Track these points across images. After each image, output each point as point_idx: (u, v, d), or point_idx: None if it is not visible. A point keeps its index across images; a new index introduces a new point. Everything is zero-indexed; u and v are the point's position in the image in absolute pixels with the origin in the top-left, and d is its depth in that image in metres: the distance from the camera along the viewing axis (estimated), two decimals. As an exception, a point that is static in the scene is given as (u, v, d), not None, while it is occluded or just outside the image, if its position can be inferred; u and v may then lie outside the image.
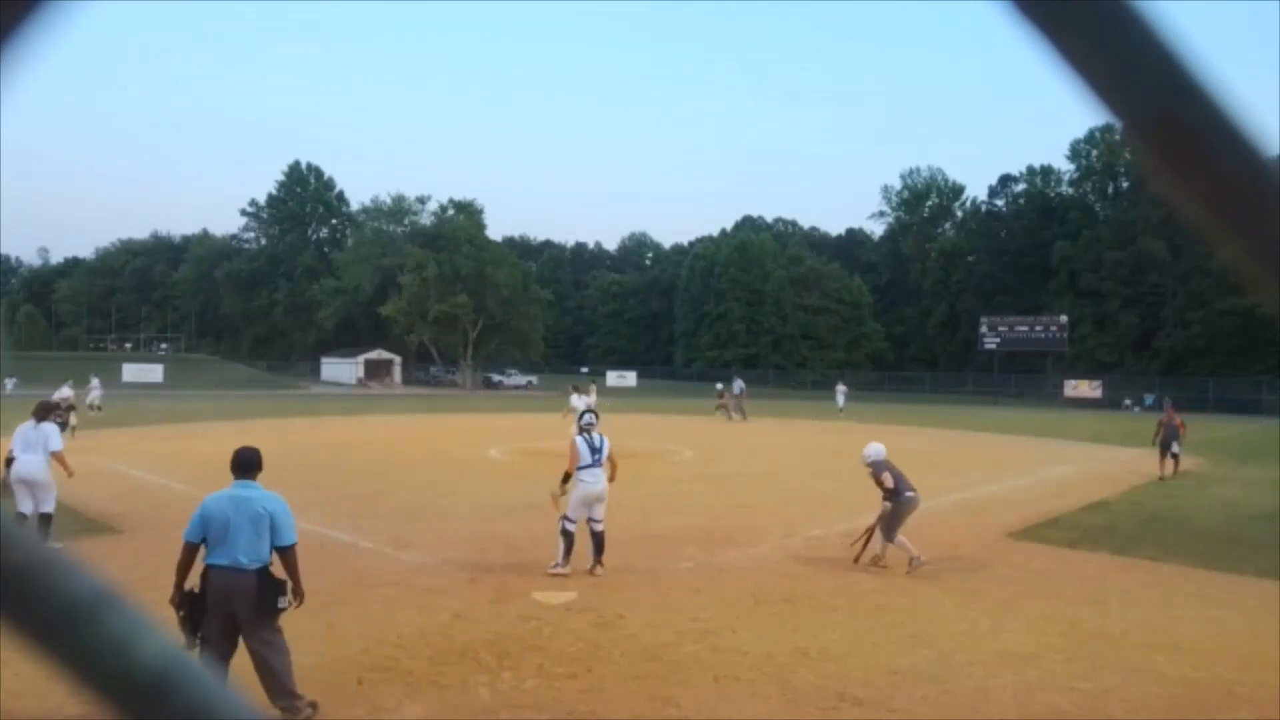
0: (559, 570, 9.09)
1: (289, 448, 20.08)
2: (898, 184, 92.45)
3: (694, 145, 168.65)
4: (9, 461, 9.80)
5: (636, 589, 8.72)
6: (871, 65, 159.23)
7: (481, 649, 6.83)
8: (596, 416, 10.14)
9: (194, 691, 0.41)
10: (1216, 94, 0.38)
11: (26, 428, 9.86)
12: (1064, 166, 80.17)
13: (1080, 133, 76.32)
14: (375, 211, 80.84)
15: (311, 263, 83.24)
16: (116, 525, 11.47)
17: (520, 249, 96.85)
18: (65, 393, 22.50)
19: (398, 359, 75.74)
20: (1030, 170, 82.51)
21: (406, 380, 74.33)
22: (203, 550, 5.57)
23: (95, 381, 32.20)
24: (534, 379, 74.31)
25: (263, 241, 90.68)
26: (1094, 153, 76.19)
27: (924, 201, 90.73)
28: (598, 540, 9.26)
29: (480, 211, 78.58)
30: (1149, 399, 54.18)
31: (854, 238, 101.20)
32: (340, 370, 73.18)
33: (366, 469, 17.97)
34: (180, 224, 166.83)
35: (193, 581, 5.54)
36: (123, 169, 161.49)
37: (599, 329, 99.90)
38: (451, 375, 75.03)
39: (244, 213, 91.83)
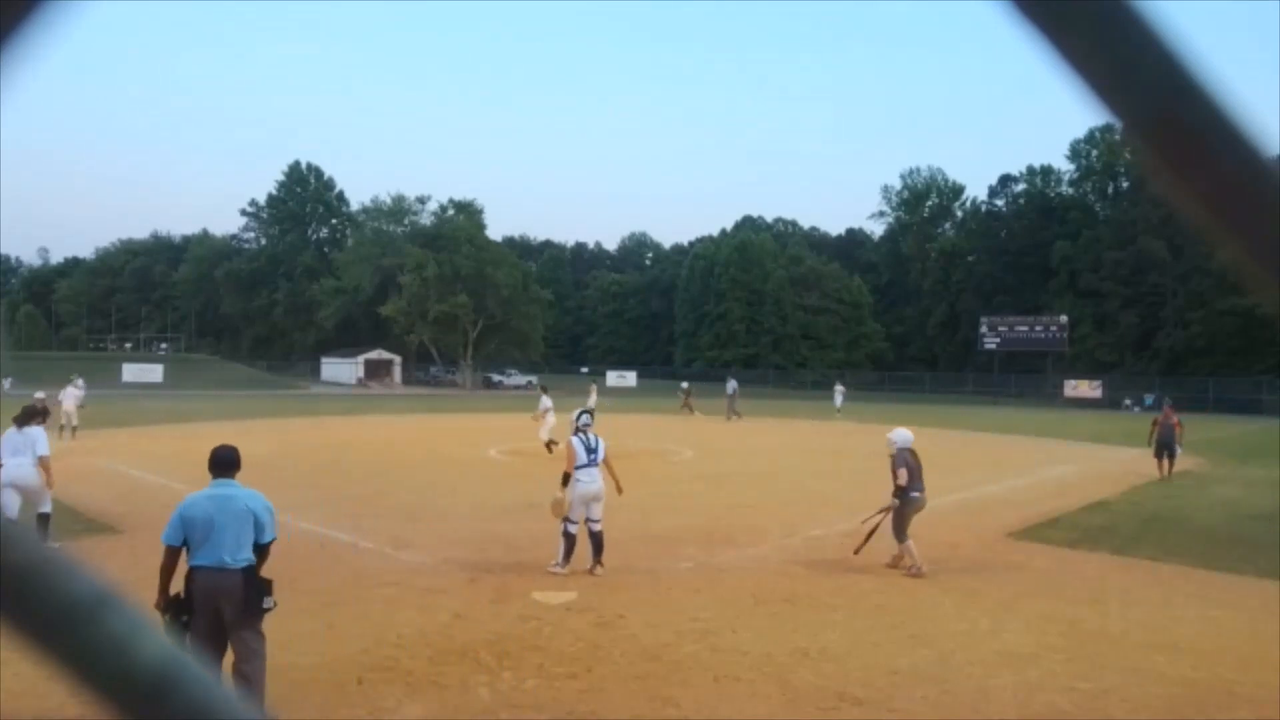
0: (558, 570, 9.12)
1: (289, 448, 20.10)
2: (898, 184, 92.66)
3: (694, 145, 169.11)
4: None
5: (636, 589, 8.72)
6: (871, 65, 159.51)
7: (481, 649, 6.83)
8: (592, 416, 10.25)
9: (194, 691, 0.41)
10: (1216, 94, 0.38)
11: (12, 433, 9.89)
12: (1064, 166, 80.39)
13: (1080, 133, 76.49)
14: (375, 211, 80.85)
15: (311, 263, 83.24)
16: (116, 525, 11.47)
17: (520, 249, 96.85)
18: (40, 394, 21.39)
19: (398, 359, 75.72)
20: (1030, 170, 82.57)
21: (406, 380, 74.30)
22: (184, 554, 5.50)
23: (79, 382, 26.02)
24: (534, 379, 74.27)
25: (263, 241, 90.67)
26: (1094, 153, 76.19)
27: (924, 201, 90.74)
28: (596, 540, 9.27)
29: (480, 211, 78.71)
30: (1149, 399, 54.14)
31: (854, 238, 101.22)
32: (340, 370, 73.15)
33: (366, 469, 17.97)
34: (180, 224, 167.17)
35: (177, 586, 5.47)
36: (123, 169, 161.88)
37: (599, 329, 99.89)
38: (451, 375, 74.99)
39: (244, 213, 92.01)
